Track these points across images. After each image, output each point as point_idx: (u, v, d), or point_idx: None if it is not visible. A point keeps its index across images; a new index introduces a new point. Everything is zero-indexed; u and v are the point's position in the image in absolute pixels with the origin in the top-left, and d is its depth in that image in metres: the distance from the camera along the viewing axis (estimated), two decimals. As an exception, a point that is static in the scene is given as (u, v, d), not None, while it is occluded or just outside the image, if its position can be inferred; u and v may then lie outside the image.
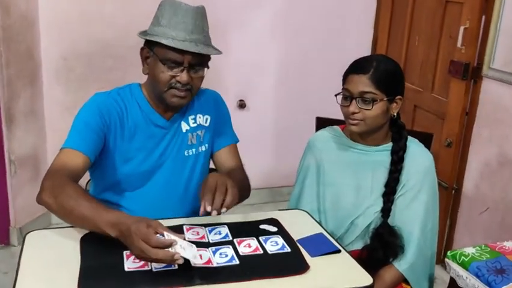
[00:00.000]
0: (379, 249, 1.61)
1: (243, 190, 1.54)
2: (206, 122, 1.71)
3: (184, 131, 1.66)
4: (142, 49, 1.59)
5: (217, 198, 1.35)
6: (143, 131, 1.61)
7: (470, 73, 2.54)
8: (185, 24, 1.48)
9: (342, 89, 1.63)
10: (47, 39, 2.83)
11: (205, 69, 1.58)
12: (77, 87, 2.90)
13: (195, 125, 1.68)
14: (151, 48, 1.54)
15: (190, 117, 1.68)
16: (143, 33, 1.56)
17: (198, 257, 1.23)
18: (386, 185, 1.65)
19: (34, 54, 2.81)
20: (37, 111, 2.89)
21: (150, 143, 1.62)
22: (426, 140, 1.80)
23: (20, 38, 2.68)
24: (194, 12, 1.50)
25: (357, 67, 1.61)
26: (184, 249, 1.19)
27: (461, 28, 2.54)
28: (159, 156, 1.63)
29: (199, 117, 1.70)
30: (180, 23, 1.48)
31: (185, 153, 1.67)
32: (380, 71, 1.57)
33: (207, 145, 1.71)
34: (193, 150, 1.68)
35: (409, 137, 1.69)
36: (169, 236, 1.19)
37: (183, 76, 1.50)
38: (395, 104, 1.63)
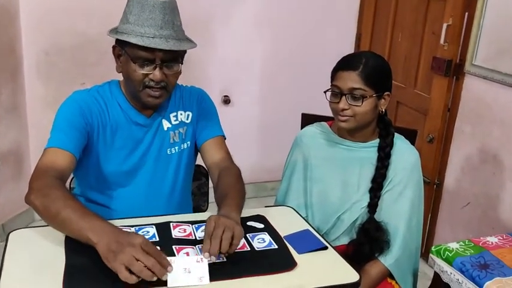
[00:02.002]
0: (365, 244, 1.63)
1: (242, 198, 1.50)
2: (187, 119, 1.69)
3: (165, 129, 1.64)
4: (113, 47, 1.55)
5: (213, 242, 1.25)
6: (124, 130, 1.59)
7: (453, 70, 2.57)
8: (154, 20, 1.43)
9: (331, 85, 1.63)
10: (29, 33, 2.79)
11: (180, 64, 1.54)
12: (60, 82, 2.86)
13: (177, 122, 1.66)
14: (122, 47, 1.51)
15: (172, 115, 1.66)
16: (113, 31, 1.52)
17: (206, 277, 1.19)
18: (373, 181, 1.66)
19: (15, 48, 2.76)
20: (19, 107, 2.84)
21: (131, 142, 1.60)
22: (410, 136, 1.82)
23: (0, 32, 2.63)
24: (162, 7, 1.44)
25: (346, 64, 1.61)
26: (189, 273, 1.18)
27: (444, 25, 2.56)
28: (141, 155, 1.62)
29: (181, 114, 1.68)
30: (148, 19, 1.43)
31: (168, 151, 1.65)
32: (369, 68, 1.58)
33: (189, 142, 1.69)
34: (176, 148, 1.66)
35: (396, 134, 1.71)
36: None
37: (156, 74, 1.47)
38: (383, 100, 1.64)
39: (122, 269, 1.11)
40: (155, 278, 1.12)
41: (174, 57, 1.50)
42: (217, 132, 1.71)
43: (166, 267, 1.14)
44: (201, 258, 1.22)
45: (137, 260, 1.11)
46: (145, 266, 1.11)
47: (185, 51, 1.56)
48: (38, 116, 2.87)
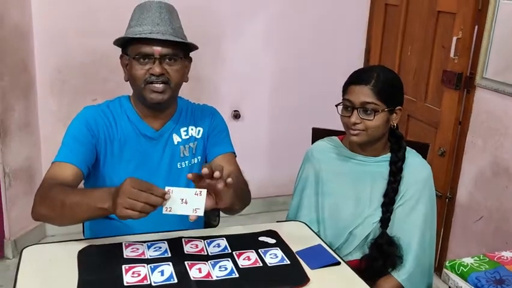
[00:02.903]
0: (378, 259, 1.62)
1: (241, 194, 1.51)
2: (198, 134, 1.70)
3: (175, 143, 1.66)
4: (120, 57, 1.62)
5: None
6: (132, 142, 1.61)
7: (463, 83, 2.56)
8: (151, 18, 1.51)
9: (343, 99, 1.64)
10: (41, 51, 2.83)
11: (184, 63, 1.58)
12: (72, 98, 2.89)
13: (187, 137, 1.68)
14: (125, 52, 1.57)
15: (182, 130, 1.67)
16: (118, 40, 1.59)
17: (201, 209, 1.23)
18: (385, 195, 1.66)
19: (28, 66, 2.80)
20: (32, 124, 2.87)
21: (139, 154, 1.62)
22: (422, 150, 1.81)
23: (13, 50, 2.67)
24: (158, 6, 1.53)
25: (358, 78, 1.62)
26: (185, 204, 1.21)
27: (454, 38, 2.56)
28: (151, 168, 1.63)
29: (191, 129, 1.69)
30: (146, 18, 1.51)
31: (178, 165, 1.66)
32: (381, 82, 1.59)
33: (199, 157, 1.70)
34: (186, 162, 1.67)
35: (407, 148, 1.70)
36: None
37: (155, 67, 1.51)
38: (395, 115, 1.64)
39: (127, 212, 1.19)
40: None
41: (174, 53, 1.54)
42: (228, 149, 1.72)
43: (160, 194, 1.21)
44: (200, 192, 1.23)
45: (134, 200, 1.18)
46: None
47: (188, 48, 1.60)
48: (50, 132, 2.90)
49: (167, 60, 1.53)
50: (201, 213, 1.22)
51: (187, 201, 1.22)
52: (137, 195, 1.19)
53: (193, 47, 1.61)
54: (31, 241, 2.56)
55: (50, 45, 2.83)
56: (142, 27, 1.51)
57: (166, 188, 1.22)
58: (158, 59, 1.51)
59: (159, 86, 1.52)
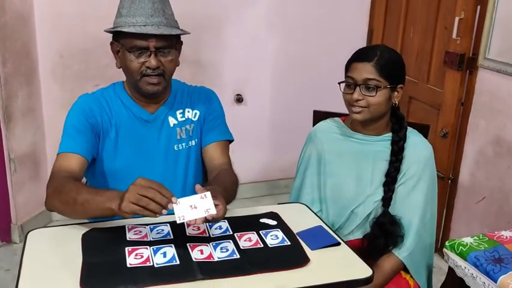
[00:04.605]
0: (380, 237, 1.63)
1: (230, 196, 1.52)
2: (195, 117, 1.71)
3: (171, 125, 1.67)
4: (111, 44, 1.61)
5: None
6: (127, 126, 1.63)
7: (466, 64, 2.55)
8: (144, 9, 1.50)
9: (346, 76, 1.66)
10: (43, 36, 2.83)
11: (177, 52, 1.59)
12: (75, 84, 2.89)
13: (183, 119, 1.69)
14: (117, 41, 1.57)
15: (178, 112, 1.69)
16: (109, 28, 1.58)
17: (212, 208, 1.25)
18: (387, 175, 1.67)
19: (31, 51, 2.80)
20: (35, 109, 2.89)
21: (135, 137, 1.64)
22: (422, 131, 1.80)
23: (15, 36, 2.67)
24: None
25: (361, 55, 1.64)
26: (195, 208, 1.24)
27: (456, 19, 2.54)
28: (148, 151, 1.65)
29: (188, 111, 1.71)
30: (138, 8, 1.50)
31: (175, 147, 1.68)
32: (383, 59, 1.61)
33: (196, 140, 1.72)
34: (183, 144, 1.69)
35: (409, 128, 1.72)
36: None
37: (151, 61, 1.52)
38: (396, 93, 1.66)
39: (133, 206, 1.22)
40: (165, 212, 1.23)
41: (168, 44, 1.54)
42: (222, 136, 1.74)
43: (167, 194, 1.23)
44: (204, 195, 1.26)
45: (142, 196, 1.21)
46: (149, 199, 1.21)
47: (180, 40, 1.61)
48: (54, 117, 2.91)
49: (162, 51, 1.54)
50: (213, 211, 1.25)
51: (196, 206, 1.25)
52: (145, 191, 1.22)
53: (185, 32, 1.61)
54: (37, 226, 2.54)
55: (52, 30, 2.83)
56: (135, 19, 1.49)
57: (173, 199, 1.25)
58: (153, 52, 1.52)
59: (155, 80, 1.55)
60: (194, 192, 1.70)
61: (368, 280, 1.26)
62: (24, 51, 2.75)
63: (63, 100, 2.88)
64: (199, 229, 1.43)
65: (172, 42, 1.56)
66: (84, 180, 1.72)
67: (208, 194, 1.26)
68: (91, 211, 1.38)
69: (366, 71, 1.60)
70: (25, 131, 2.82)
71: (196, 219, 1.25)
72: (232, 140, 1.77)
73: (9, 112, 2.68)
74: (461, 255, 1.54)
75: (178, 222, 1.25)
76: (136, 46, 1.51)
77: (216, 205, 1.27)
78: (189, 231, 1.42)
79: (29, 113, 2.83)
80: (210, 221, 1.29)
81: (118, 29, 1.51)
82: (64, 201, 1.40)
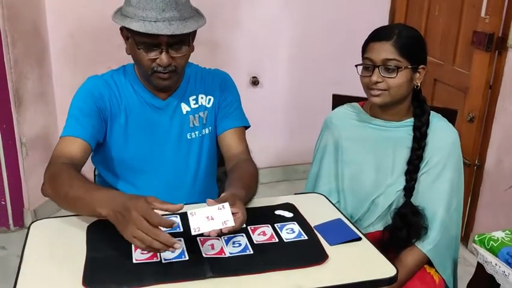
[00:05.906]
0: (402, 229, 1.56)
1: (250, 194, 1.46)
2: (209, 103, 1.63)
3: (184, 112, 1.60)
4: (121, 29, 1.51)
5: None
6: (137, 112, 1.57)
7: (495, 44, 2.47)
8: (155, 2, 1.38)
9: (363, 58, 1.57)
10: (53, 16, 2.78)
11: (189, 46, 1.49)
12: (86, 65, 2.85)
13: (196, 106, 1.62)
14: (127, 29, 1.45)
15: (191, 98, 1.61)
16: (118, 12, 1.47)
17: (230, 220, 1.17)
18: (409, 163, 1.59)
19: (41, 31, 2.75)
20: (46, 92, 2.85)
21: (146, 124, 1.57)
22: (450, 116, 1.73)
23: (25, 15, 2.62)
24: None
25: (379, 35, 1.55)
26: (212, 220, 1.17)
27: (485, -4, 2.44)
28: (160, 139, 1.59)
29: (201, 97, 1.63)
30: (149, 1, 1.38)
31: (188, 136, 1.61)
32: (403, 38, 1.52)
33: (211, 127, 1.64)
34: (196, 133, 1.62)
35: (432, 112, 1.63)
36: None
37: (163, 59, 1.43)
38: (418, 74, 1.57)
39: (136, 242, 1.12)
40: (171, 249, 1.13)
41: (181, 40, 1.45)
42: (239, 122, 1.66)
43: (168, 243, 1.11)
44: (222, 206, 1.19)
45: (144, 233, 1.11)
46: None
47: (194, 32, 1.51)
48: (65, 100, 2.81)
49: (174, 46, 1.44)
50: (231, 223, 1.18)
51: (212, 217, 1.18)
52: (146, 230, 1.11)
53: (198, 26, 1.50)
54: (50, 210, 2.59)
55: (61, 8, 2.78)
56: (145, 13, 1.38)
57: (189, 212, 1.18)
58: (164, 49, 1.42)
59: (166, 75, 1.47)
60: (205, 181, 1.66)
61: (392, 280, 1.18)
62: (34, 31, 2.71)
63: (74, 82, 2.77)
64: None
65: (184, 37, 1.45)
66: (93, 167, 1.67)
67: (227, 204, 1.19)
68: (80, 210, 1.33)
69: (385, 50, 1.50)
70: (36, 114, 2.79)
71: (210, 232, 1.18)
72: (249, 126, 1.70)
73: (20, 95, 2.65)
74: (492, 250, 1.47)
75: (192, 234, 1.17)
76: (146, 43, 1.42)
77: (234, 213, 1.20)
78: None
79: (40, 96, 2.81)
80: (226, 234, 1.21)
81: (127, 24, 1.40)
82: (56, 193, 1.35)
